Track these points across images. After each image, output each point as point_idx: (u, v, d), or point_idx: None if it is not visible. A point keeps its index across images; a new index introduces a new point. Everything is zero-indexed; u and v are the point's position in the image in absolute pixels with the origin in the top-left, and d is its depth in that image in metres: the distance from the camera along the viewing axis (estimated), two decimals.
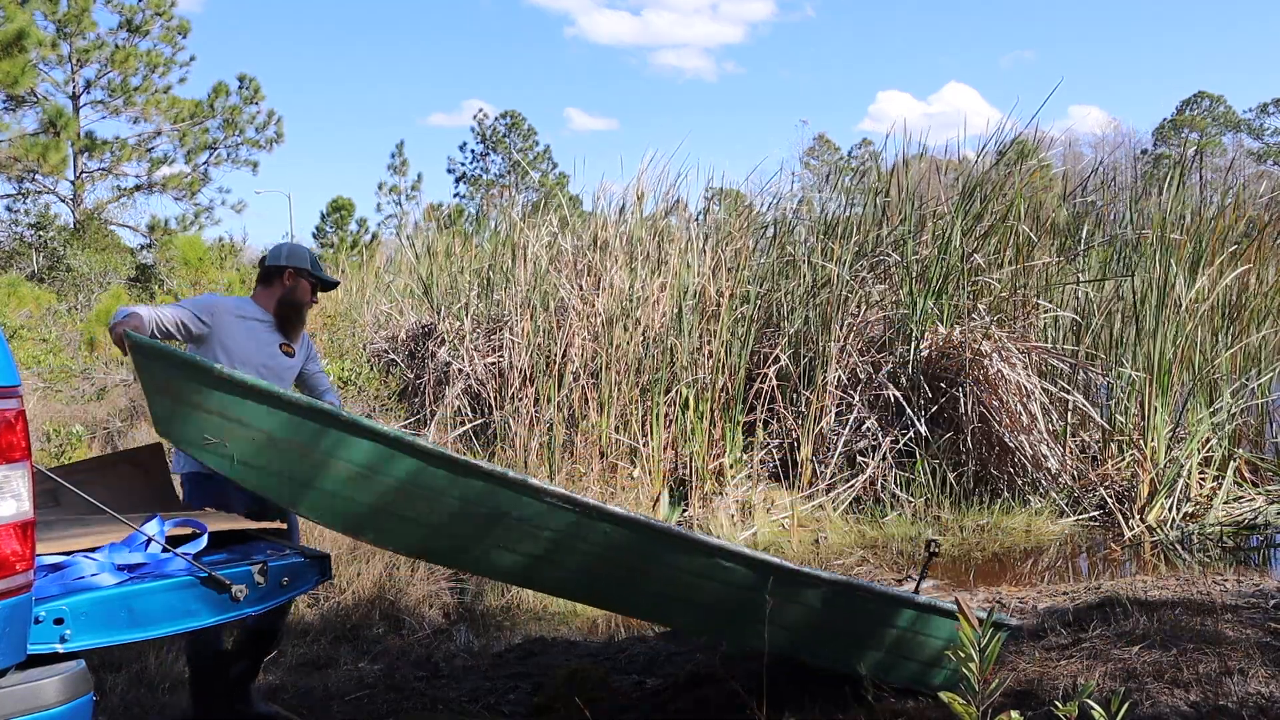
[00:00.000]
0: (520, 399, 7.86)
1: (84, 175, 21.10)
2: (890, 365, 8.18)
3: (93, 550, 2.68)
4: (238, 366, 3.44)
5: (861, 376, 8.18)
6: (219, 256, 15.34)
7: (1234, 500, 7.66)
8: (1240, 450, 8.26)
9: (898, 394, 7.96)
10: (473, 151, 50.19)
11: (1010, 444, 7.83)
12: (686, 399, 7.74)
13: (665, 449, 7.66)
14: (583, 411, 7.69)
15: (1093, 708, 2.06)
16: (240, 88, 21.98)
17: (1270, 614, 4.49)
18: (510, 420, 7.75)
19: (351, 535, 3.30)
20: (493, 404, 8.13)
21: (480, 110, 56.20)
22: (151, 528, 2.78)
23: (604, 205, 9.62)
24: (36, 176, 19.16)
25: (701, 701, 3.72)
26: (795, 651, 3.45)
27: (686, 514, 7.37)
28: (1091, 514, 7.58)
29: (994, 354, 7.88)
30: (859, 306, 8.41)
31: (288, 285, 3.71)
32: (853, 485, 7.78)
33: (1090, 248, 9.16)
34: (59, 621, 2.30)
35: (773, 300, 8.72)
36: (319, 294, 3.85)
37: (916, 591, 3.91)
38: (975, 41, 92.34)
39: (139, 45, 20.73)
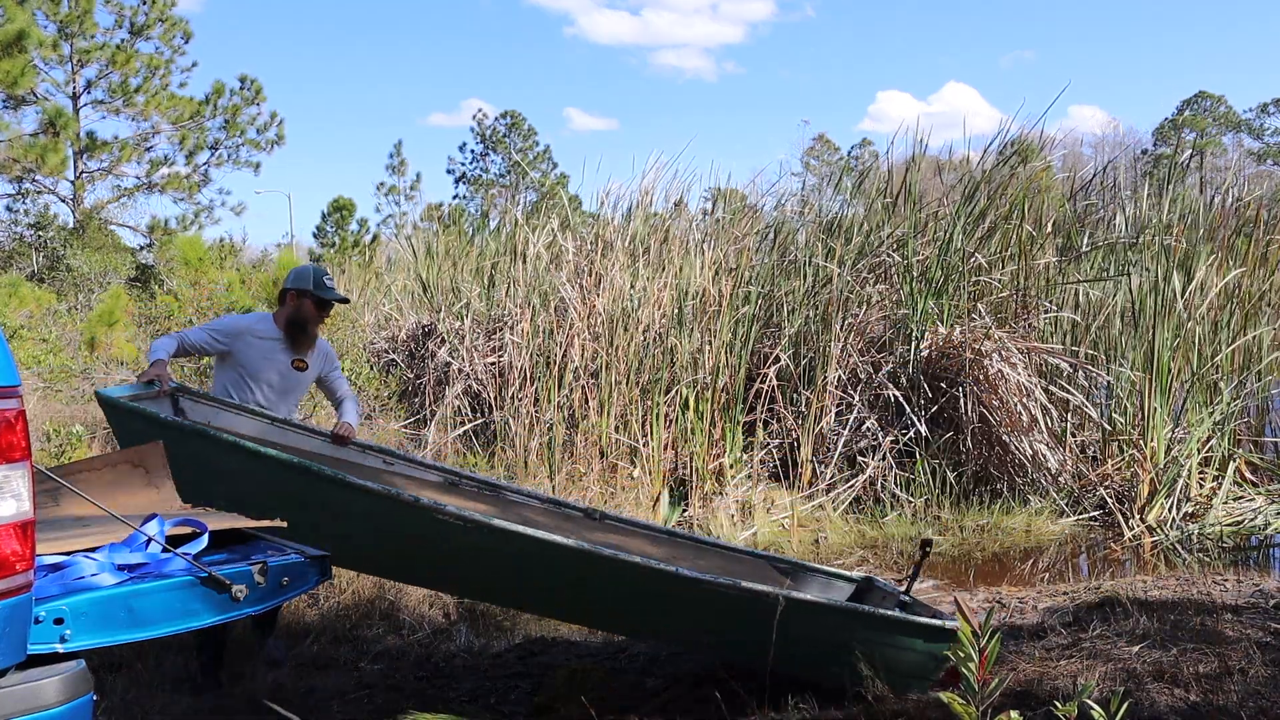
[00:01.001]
0: (520, 399, 7.86)
1: (84, 175, 21.09)
2: (890, 365, 8.18)
3: (93, 550, 2.68)
4: (249, 380, 4.18)
5: (861, 376, 8.18)
6: (219, 257, 15.33)
7: (1234, 500, 7.66)
8: (1240, 450, 8.26)
9: (898, 394, 7.96)
10: (473, 152, 50.19)
11: (1010, 444, 7.83)
12: (686, 399, 7.73)
13: (665, 449, 7.66)
14: (583, 411, 7.69)
15: (1092, 708, 2.06)
16: (241, 88, 21.96)
17: (1270, 614, 4.50)
18: (510, 420, 7.75)
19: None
20: (493, 404, 8.13)
21: (480, 110, 56.22)
22: (151, 528, 2.78)
23: (607, 206, 9.63)
24: (36, 177, 19.14)
25: (701, 701, 3.72)
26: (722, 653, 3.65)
27: (686, 514, 7.37)
28: (1091, 514, 7.58)
29: (994, 354, 7.88)
30: (859, 306, 8.41)
31: (292, 306, 4.23)
32: (853, 485, 7.78)
33: (1093, 248, 9.16)
34: (59, 621, 2.30)
35: (773, 300, 8.72)
36: (331, 308, 4.37)
37: (908, 591, 3.94)
38: (975, 41, 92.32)
39: (139, 48, 20.71)
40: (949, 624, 3.50)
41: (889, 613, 3.60)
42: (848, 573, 4.48)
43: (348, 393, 4.51)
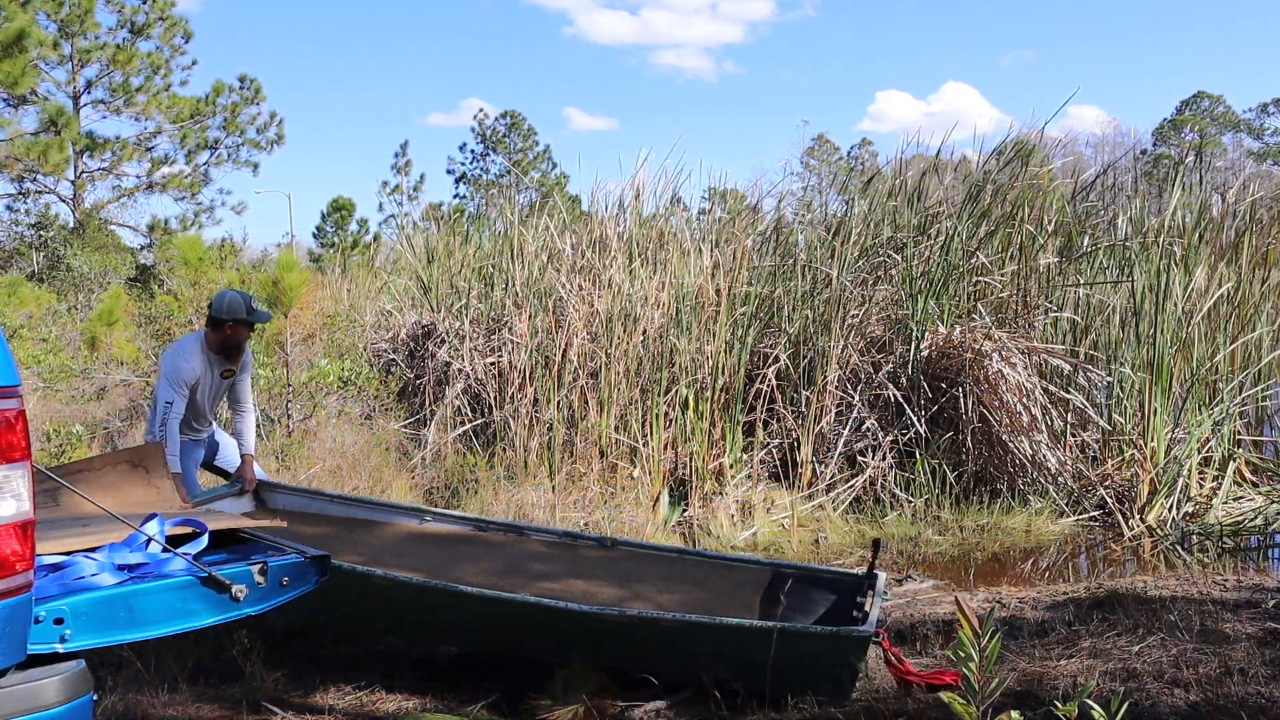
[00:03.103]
0: (520, 399, 7.86)
1: (84, 175, 21.09)
2: (890, 365, 8.18)
3: (93, 550, 2.68)
4: (194, 396, 4.92)
5: (861, 376, 8.18)
6: (219, 257, 15.31)
7: (1234, 500, 7.66)
8: (1240, 450, 8.26)
9: (898, 394, 7.96)
10: (473, 152, 50.09)
11: (1010, 444, 7.83)
12: (686, 399, 7.73)
13: (665, 449, 7.65)
14: (582, 411, 7.69)
15: (1093, 708, 2.06)
16: (241, 88, 21.96)
17: (1270, 613, 4.50)
18: (510, 420, 7.75)
19: None
20: (493, 404, 8.13)
21: (480, 110, 56.17)
22: (151, 528, 2.78)
23: (601, 205, 9.62)
24: (37, 176, 19.16)
25: (702, 701, 3.72)
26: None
27: (686, 514, 7.36)
28: (1091, 514, 7.58)
29: (994, 354, 7.88)
30: (859, 307, 8.41)
31: (228, 333, 4.92)
32: (853, 485, 7.78)
33: (1094, 249, 9.16)
34: (59, 621, 2.31)
35: (773, 300, 8.72)
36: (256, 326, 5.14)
37: (868, 587, 4.05)
38: (975, 41, 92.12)
39: (140, 47, 20.70)
40: (856, 631, 3.63)
41: (786, 625, 3.74)
42: (853, 570, 4.51)
43: (249, 403, 5.21)
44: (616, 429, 7.64)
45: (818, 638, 3.65)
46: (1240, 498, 7.71)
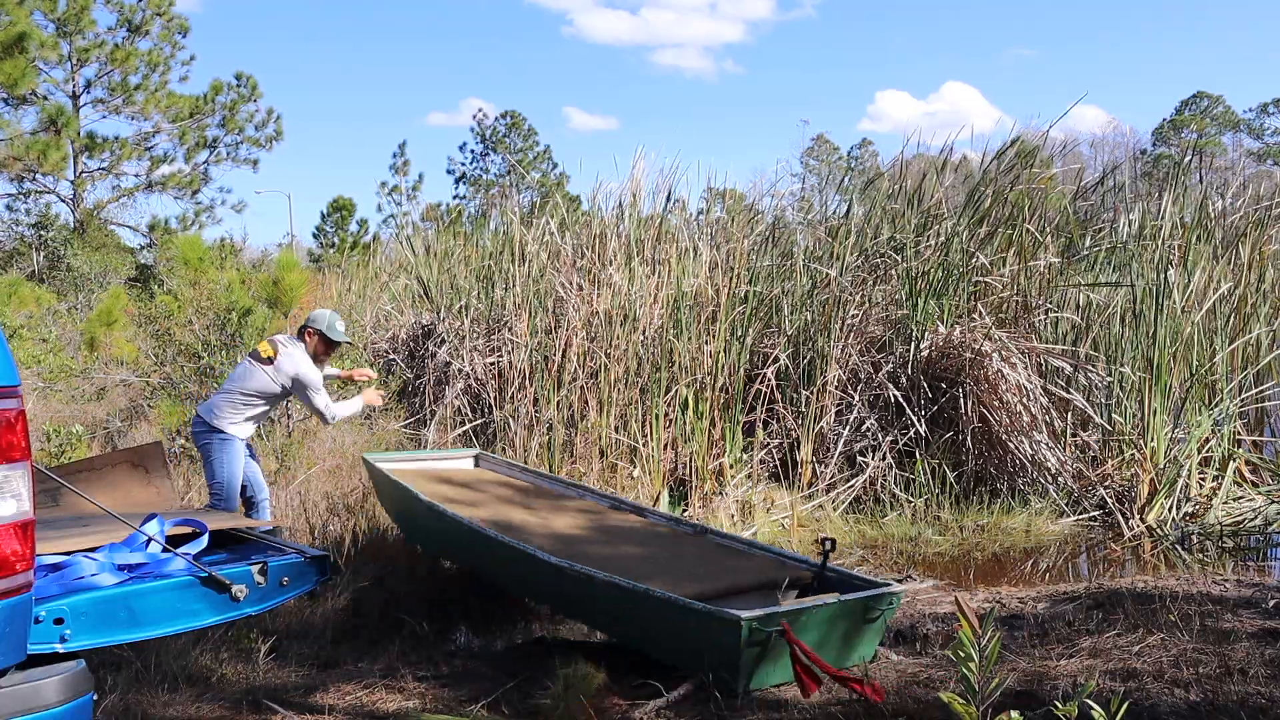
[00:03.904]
0: (520, 399, 7.86)
1: (84, 175, 21.08)
2: (890, 365, 8.18)
3: (93, 550, 2.68)
4: (270, 401, 5.38)
5: (861, 376, 8.18)
6: (219, 256, 15.30)
7: (1234, 500, 7.66)
8: (1240, 450, 8.26)
9: (898, 394, 7.96)
10: (473, 152, 50.12)
11: (1010, 444, 7.82)
12: (686, 399, 7.73)
13: (665, 449, 7.65)
14: (582, 411, 7.69)
15: (1093, 708, 2.06)
16: (238, 85, 21.97)
17: (1269, 613, 4.50)
18: (510, 420, 7.75)
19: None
20: (493, 404, 8.13)
21: (480, 110, 56.20)
22: (151, 528, 2.78)
23: (601, 204, 9.61)
24: (37, 176, 19.15)
25: (701, 702, 3.72)
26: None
27: (686, 514, 7.36)
28: (1091, 514, 7.58)
29: (994, 354, 7.88)
30: (859, 307, 8.41)
31: (307, 338, 5.41)
32: (853, 485, 7.78)
33: (1096, 250, 9.15)
34: (59, 621, 2.31)
35: (772, 300, 8.71)
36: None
37: (817, 581, 4.22)
38: (974, 40, 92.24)
39: (139, 45, 20.69)
40: (724, 613, 3.65)
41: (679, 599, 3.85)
42: (878, 577, 4.55)
43: (325, 403, 5.42)
44: (616, 429, 7.64)
45: (693, 612, 3.75)
46: (1240, 498, 7.71)
